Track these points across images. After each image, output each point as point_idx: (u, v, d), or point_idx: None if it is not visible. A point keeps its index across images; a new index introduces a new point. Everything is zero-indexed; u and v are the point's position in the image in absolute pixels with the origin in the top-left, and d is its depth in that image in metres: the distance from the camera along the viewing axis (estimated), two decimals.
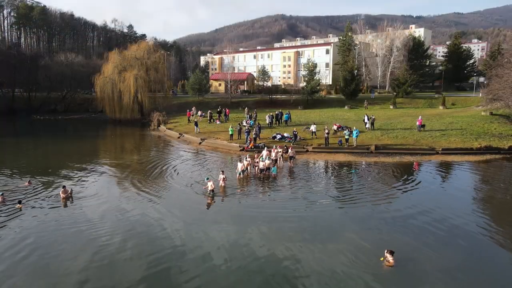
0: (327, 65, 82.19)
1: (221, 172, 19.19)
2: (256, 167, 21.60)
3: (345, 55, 72.73)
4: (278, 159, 23.63)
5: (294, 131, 30.59)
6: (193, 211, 15.92)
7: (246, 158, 21.69)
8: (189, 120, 42.61)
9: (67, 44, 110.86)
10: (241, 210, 16.16)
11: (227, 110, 43.68)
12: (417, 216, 15.19)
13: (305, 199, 17.51)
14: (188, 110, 44.74)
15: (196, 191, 18.48)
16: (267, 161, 21.32)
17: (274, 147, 25.01)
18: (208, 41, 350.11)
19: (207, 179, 17.95)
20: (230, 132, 31.72)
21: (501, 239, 13.16)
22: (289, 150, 24.32)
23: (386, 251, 11.32)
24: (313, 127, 31.55)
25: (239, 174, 20.63)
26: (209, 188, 17.39)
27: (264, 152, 23.19)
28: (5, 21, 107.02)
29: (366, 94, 64.03)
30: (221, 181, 18.68)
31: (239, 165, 20.78)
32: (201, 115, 43.61)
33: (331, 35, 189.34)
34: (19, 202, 16.39)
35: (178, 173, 22.50)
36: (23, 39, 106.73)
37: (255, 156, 22.79)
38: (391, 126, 35.34)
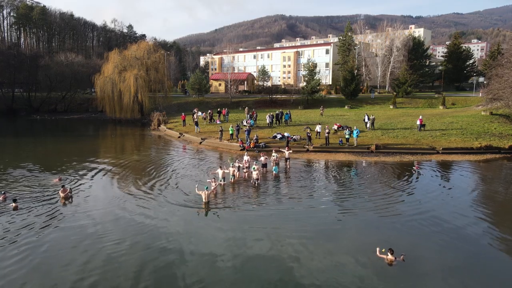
0: (327, 65, 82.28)
1: (212, 179, 18.22)
2: (246, 173, 20.81)
3: (345, 55, 72.82)
4: (273, 161, 22.29)
5: (308, 133, 29.61)
6: (193, 213, 15.83)
7: (233, 164, 20.66)
8: (184, 123, 40.84)
9: (67, 44, 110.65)
10: (239, 214, 15.98)
11: (223, 110, 43.37)
12: (418, 215, 15.16)
13: (305, 200, 17.43)
14: (183, 113, 42.87)
15: (186, 203, 17.29)
16: (255, 173, 19.53)
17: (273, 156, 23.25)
18: (208, 41, 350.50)
19: (206, 188, 16.87)
20: (230, 132, 31.72)
21: (502, 239, 13.15)
22: (286, 152, 23.75)
23: (388, 250, 11.36)
24: (318, 127, 31.51)
25: (220, 181, 19.19)
26: (204, 199, 16.43)
27: (245, 158, 22.13)
28: (5, 21, 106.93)
29: (366, 94, 64.10)
30: (212, 187, 17.68)
31: (220, 172, 19.45)
32: (204, 118, 42.37)
33: (330, 35, 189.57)
34: (14, 201, 16.31)
35: (178, 173, 22.46)
36: (22, 39, 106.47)
37: (245, 161, 21.66)
38: (391, 126, 35.37)
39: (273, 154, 23.06)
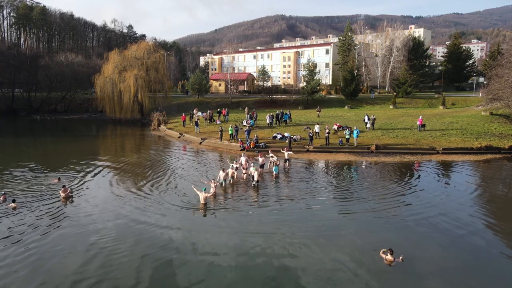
0: (327, 65, 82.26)
1: (211, 181, 17.92)
2: (245, 174, 20.55)
3: (345, 55, 72.79)
4: (270, 163, 22.28)
5: (309, 133, 29.43)
6: (192, 216, 15.76)
7: (232, 166, 20.45)
8: (184, 124, 40.34)
9: (66, 44, 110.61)
10: (239, 216, 15.91)
11: (223, 111, 43.36)
12: (418, 216, 15.17)
13: (305, 202, 17.39)
14: (183, 114, 42.03)
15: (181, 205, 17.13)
16: (253, 170, 19.40)
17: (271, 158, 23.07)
18: (208, 41, 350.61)
19: (204, 190, 16.65)
20: (230, 132, 31.73)
21: (502, 239, 13.15)
22: (286, 153, 23.58)
23: (387, 250, 11.37)
24: (316, 128, 31.52)
25: (222, 183, 19.01)
26: (201, 201, 16.25)
27: (243, 158, 21.86)
28: (5, 21, 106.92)
29: (366, 94, 64.09)
30: (212, 190, 17.42)
31: (221, 174, 19.31)
32: (206, 119, 41.72)
33: (330, 35, 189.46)
34: (13, 201, 16.26)
35: (178, 174, 22.46)
36: (22, 39, 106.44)
37: (243, 163, 21.46)
38: (391, 126, 35.37)
39: (271, 155, 22.95)
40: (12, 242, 12.75)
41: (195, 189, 16.90)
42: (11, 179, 20.87)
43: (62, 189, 17.59)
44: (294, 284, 10.26)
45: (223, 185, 19.14)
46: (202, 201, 16.26)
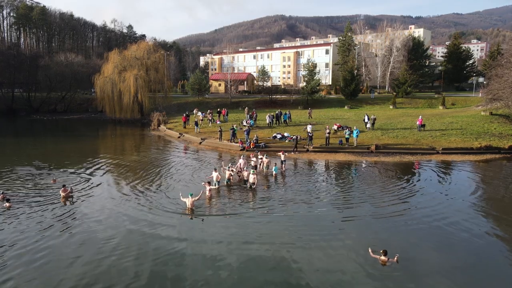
0: (326, 65, 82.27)
1: (206, 184, 17.67)
2: (240, 176, 20.20)
3: (344, 55, 72.80)
4: (259, 165, 22.31)
5: (309, 133, 29.36)
6: (191, 219, 15.71)
7: (228, 168, 20.27)
8: (184, 125, 39.73)
9: (66, 44, 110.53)
10: (237, 219, 15.83)
11: (223, 111, 43.32)
12: (418, 216, 15.17)
13: (304, 203, 17.32)
14: (183, 115, 40.91)
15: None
16: (252, 176, 18.96)
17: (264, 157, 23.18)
18: (207, 42, 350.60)
19: (191, 195, 15.97)
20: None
21: (501, 239, 13.16)
22: (282, 155, 23.15)
23: (382, 251, 11.35)
24: (309, 128, 31.34)
25: (215, 184, 18.58)
26: (188, 205, 15.83)
27: (241, 161, 21.81)
28: (5, 21, 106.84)
29: (366, 94, 64.10)
30: (207, 192, 17.21)
31: (214, 175, 18.91)
32: (209, 119, 40.91)
33: (330, 35, 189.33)
34: (7, 201, 16.21)
35: (177, 174, 22.46)
36: (22, 39, 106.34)
37: (239, 164, 21.30)
38: (391, 126, 35.37)
39: (260, 156, 22.94)
40: (11, 243, 12.76)
41: (181, 197, 16.36)
42: (11, 179, 20.86)
43: (62, 188, 17.59)
44: (293, 283, 10.26)
45: (216, 186, 18.70)
46: (189, 206, 15.88)
